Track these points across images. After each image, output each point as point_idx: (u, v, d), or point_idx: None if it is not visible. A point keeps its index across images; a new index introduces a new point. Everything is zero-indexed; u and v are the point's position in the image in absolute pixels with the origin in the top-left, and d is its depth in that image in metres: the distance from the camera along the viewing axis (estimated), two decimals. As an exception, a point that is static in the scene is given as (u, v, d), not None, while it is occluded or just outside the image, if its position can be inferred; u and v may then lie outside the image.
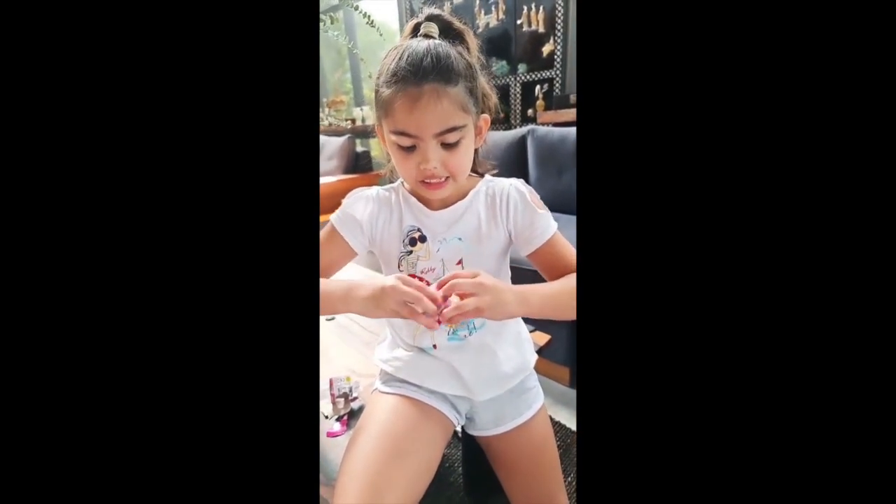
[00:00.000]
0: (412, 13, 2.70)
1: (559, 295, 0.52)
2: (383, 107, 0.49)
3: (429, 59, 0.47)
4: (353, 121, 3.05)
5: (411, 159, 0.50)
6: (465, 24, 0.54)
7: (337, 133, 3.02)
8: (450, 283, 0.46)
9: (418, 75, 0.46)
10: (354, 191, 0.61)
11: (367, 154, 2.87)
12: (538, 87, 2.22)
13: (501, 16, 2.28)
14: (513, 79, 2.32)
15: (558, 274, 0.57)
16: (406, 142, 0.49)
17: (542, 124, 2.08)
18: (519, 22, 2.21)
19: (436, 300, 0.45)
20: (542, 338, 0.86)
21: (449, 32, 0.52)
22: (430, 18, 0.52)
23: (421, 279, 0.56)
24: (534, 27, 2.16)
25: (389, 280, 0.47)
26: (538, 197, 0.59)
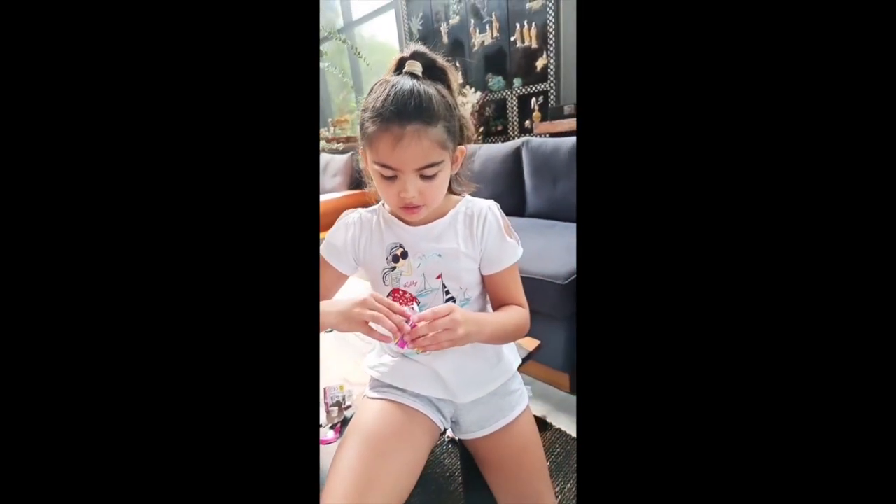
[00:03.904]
0: (411, 35, 2.79)
1: (505, 328, 0.60)
2: (368, 140, 0.53)
3: (412, 101, 0.50)
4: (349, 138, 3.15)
5: (392, 187, 0.54)
6: (448, 61, 0.57)
7: (341, 151, 3.10)
8: (430, 323, 0.50)
9: (402, 116, 0.49)
10: (340, 217, 0.66)
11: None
12: (534, 99, 2.27)
13: (496, 34, 2.35)
14: (509, 93, 2.38)
15: (501, 300, 0.64)
16: (388, 173, 0.53)
17: (539, 134, 2.13)
18: (513, 39, 2.27)
19: (403, 315, 0.51)
20: (532, 343, 0.87)
21: (433, 70, 0.55)
22: (414, 56, 0.55)
23: (404, 293, 0.60)
24: (527, 43, 2.22)
25: (361, 296, 0.52)
26: (509, 224, 0.63)
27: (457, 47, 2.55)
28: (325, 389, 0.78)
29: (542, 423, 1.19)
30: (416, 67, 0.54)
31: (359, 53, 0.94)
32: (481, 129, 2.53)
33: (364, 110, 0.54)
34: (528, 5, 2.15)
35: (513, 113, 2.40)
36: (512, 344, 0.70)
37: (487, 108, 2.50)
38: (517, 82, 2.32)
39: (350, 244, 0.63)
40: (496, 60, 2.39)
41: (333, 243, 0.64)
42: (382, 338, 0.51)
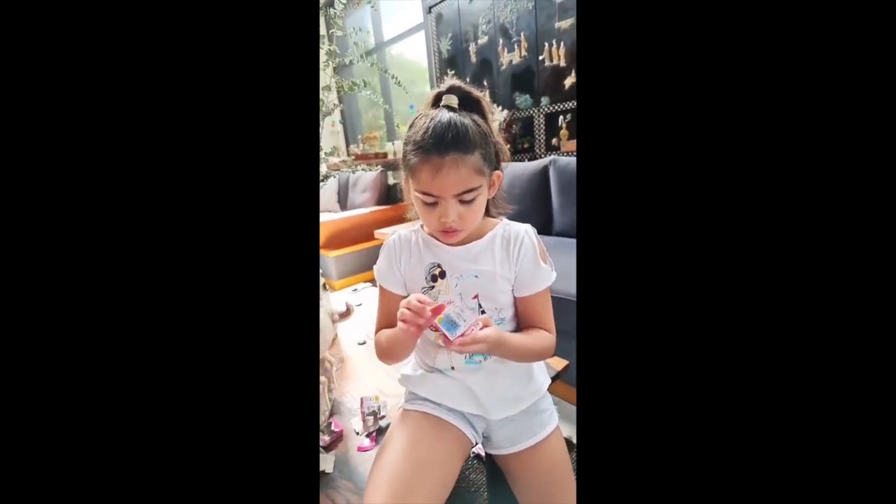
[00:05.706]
0: (440, 55, 2.88)
1: (525, 350, 0.63)
2: (410, 170, 0.58)
3: (450, 133, 0.54)
4: (386, 154, 3.24)
5: (434, 213, 0.58)
6: (481, 91, 0.62)
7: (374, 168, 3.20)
8: (466, 337, 0.55)
9: (441, 147, 0.54)
10: (383, 245, 0.71)
11: (398, 186, 3.03)
12: (561, 117, 2.30)
13: (524, 53, 2.40)
14: (536, 111, 2.41)
15: (529, 322, 0.66)
16: (429, 200, 0.57)
17: (567, 152, 2.15)
18: (541, 58, 2.31)
19: (429, 313, 0.55)
20: (560, 363, 0.89)
21: (468, 100, 0.60)
22: (450, 90, 0.60)
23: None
24: (555, 62, 2.25)
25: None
26: (544, 248, 0.66)
27: (485, 66, 2.62)
28: (361, 399, 0.82)
29: (567, 445, 1.19)
30: (453, 100, 0.59)
31: (398, 81, 0.98)
32: (508, 146, 2.57)
33: (406, 143, 0.58)
34: (556, 25, 2.19)
35: (540, 131, 2.44)
36: (542, 364, 0.72)
37: (514, 126, 2.54)
38: (545, 101, 2.35)
39: (395, 265, 0.68)
40: (524, 79, 2.43)
41: (382, 270, 0.69)
42: (411, 333, 0.55)
